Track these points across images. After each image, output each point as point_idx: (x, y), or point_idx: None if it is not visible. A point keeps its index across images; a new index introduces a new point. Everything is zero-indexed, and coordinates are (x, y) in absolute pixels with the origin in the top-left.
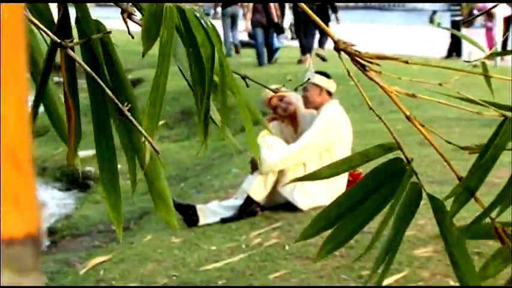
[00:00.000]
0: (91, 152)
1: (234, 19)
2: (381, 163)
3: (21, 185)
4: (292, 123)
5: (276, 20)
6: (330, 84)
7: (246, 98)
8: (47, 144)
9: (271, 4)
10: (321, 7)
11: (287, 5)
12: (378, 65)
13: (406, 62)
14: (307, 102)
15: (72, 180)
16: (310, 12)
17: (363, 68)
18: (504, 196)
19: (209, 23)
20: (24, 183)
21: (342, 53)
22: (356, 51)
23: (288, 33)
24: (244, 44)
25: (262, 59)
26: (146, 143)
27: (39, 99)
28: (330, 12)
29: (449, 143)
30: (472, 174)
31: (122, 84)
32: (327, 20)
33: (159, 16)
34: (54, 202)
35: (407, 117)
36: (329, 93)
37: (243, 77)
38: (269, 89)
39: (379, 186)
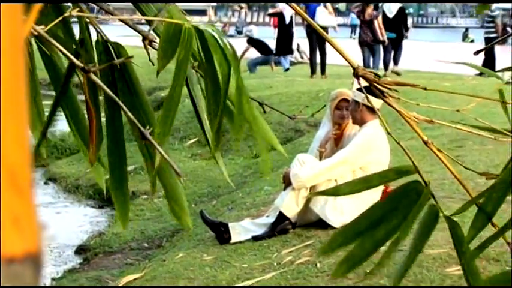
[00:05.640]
0: None
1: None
2: (400, 186)
3: (22, 207)
4: (336, 138)
5: (381, 38)
6: (367, 100)
7: (263, 126)
8: (80, 162)
9: (375, 23)
10: (396, 21)
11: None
12: (396, 91)
13: (424, 89)
14: (351, 118)
15: (105, 197)
16: (325, 34)
17: (381, 94)
18: None
19: (227, 43)
20: (25, 205)
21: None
22: (375, 77)
23: (296, 54)
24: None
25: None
26: (157, 152)
27: (53, 114)
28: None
29: (467, 168)
30: (488, 199)
31: (142, 107)
32: (402, 34)
33: (176, 36)
34: (87, 219)
35: (425, 143)
36: (371, 110)
37: (260, 103)
38: (287, 115)
39: (397, 207)
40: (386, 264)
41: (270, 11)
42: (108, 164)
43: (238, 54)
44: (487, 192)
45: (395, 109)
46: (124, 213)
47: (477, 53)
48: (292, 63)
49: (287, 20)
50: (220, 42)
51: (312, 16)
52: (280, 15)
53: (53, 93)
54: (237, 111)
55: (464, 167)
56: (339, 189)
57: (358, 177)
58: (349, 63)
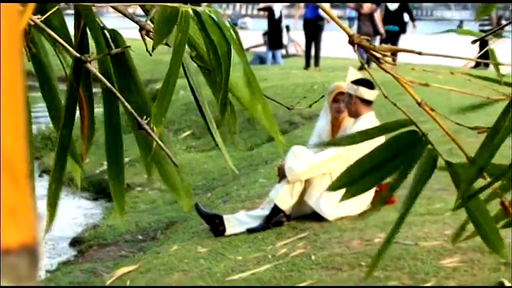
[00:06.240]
0: None
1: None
2: (398, 133)
3: (17, 197)
4: (333, 127)
5: (381, 30)
6: (360, 92)
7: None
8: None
9: (376, 16)
10: (398, 15)
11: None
12: (392, 57)
13: (420, 54)
14: (347, 111)
15: (99, 190)
16: (329, 11)
17: (377, 60)
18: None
19: (225, 23)
20: (20, 195)
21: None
22: (370, 44)
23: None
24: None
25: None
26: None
27: (73, 114)
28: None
29: (459, 124)
30: (480, 153)
31: (140, 97)
32: (403, 28)
33: (172, 17)
34: (81, 212)
35: (419, 104)
36: (365, 102)
37: None
38: (284, 105)
39: (397, 153)
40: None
41: (260, 5)
42: (106, 155)
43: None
44: (481, 147)
45: (391, 74)
46: (120, 203)
47: (474, 42)
48: (283, 56)
49: (277, 15)
50: (218, 22)
51: (309, 10)
52: (270, 10)
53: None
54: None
55: (457, 123)
56: (341, 141)
57: (358, 131)
58: (345, 31)
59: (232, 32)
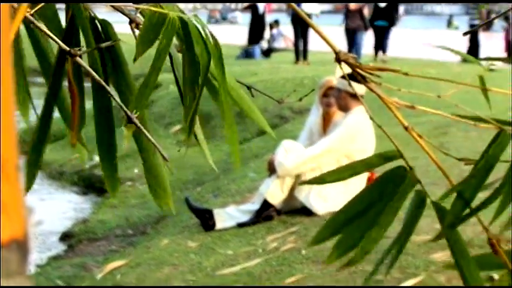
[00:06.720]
0: None
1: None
2: (384, 172)
3: (8, 193)
4: (325, 121)
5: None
6: (348, 86)
7: (250, 107)
8: (65, 148)
9: (366, 10)
10: (387, 10)
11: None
12: (378, 76)
13: (406, 74)
14: (337, 105)
15: (89, 184)
16: (309, 21)
17: (363, 79)
18: (494, 198)
19: (209, 34)
20: (11, 191)
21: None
22: (357, 62)
23: (264, 44)
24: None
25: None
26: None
27: (52, 105)
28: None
29: (446, 154)
30: (466, 185)
31: (129, 90)
32: (392, 22)
33: (158, 25)
34: (71, 206)
35: (406, 128)
36: (355, 96)
37: (248, 87)
38: (274, 99)
39: (383, 194)
40: (370, 250)
41: (245, 4)
42: (98, 149)
43: (223, 40)
44: (466, 179)
45: (377, 94)
46: (113, 180)
47: (465, 34)
48: (269, 51)
49: (260, 11)
50: (202, 33)
51: (297, 5)
52: (253, 7)
53: (42, 80)
54: (222, 97)
55: (444, 152)
56: (324, 178)
57: (343, 165)
58: (332, 48)
59: (211, 39)
